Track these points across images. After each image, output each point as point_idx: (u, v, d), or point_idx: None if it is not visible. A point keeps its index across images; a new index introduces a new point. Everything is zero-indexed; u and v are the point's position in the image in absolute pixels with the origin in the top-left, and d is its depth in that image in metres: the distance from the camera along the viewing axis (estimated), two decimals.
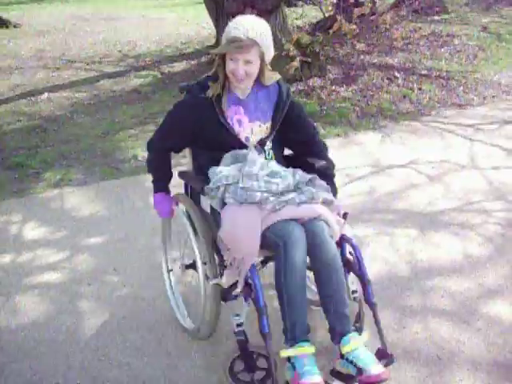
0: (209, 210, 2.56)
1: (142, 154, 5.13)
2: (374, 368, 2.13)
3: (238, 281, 2.40)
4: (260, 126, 2.59)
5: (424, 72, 7.78)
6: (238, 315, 2.41)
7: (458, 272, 3.33)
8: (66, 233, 3.84)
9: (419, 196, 4.30)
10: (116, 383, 2.54)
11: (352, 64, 7.69)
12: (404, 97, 6.76)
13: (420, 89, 7.04)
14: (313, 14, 10.22)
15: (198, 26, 11.12)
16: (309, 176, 2.49)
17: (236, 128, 2.54)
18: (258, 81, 2.57)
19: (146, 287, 3.22)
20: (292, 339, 2.25)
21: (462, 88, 7.18)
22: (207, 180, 2.46)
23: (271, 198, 2.33)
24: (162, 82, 7.54)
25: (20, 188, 4.52)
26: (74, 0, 17.58)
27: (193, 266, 2.77)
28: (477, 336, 2.80)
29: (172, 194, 2.82)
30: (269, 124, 2.62)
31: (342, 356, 2.26)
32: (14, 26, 12.10)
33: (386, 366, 2.22)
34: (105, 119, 6.13)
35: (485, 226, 3.87)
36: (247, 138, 2.56)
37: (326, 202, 2.46)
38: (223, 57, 2.47)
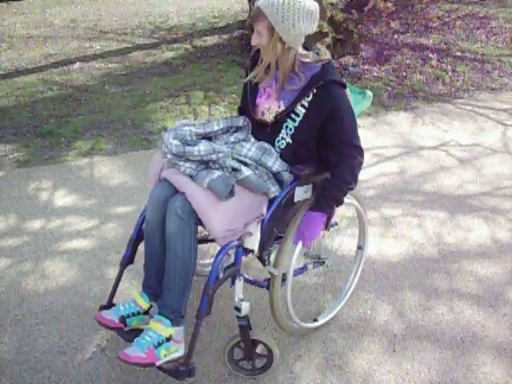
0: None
1: (172, 125, 5.14)
2: (132, 350, 2.14)
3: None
4: (279, 106, 2.38)
5: (459, 54, 7.65)
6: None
7: (485, 256, 3.30)
8: (95, 201, 3.88)
9: (449, 179, 4.25)
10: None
11: (386, 43, 7.60)
12: (437, 78, 6.66)
13: (454, 71, 6.93)
14: None
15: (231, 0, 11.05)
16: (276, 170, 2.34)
17: (258, 99, 2.47)
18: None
19: None
20: None
21: (497, 71, 7.06)
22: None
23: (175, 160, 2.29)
24: (194, 56, 7.52)
25: (51, 155, 4.57)
26: None
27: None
28: (502, 321, 2.79)
29: None
30: (282, 104, 2.39)
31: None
32: None
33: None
34: (135, 90, 6.15)
35: None
36: (263, 113, 2.44)
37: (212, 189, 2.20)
38: None
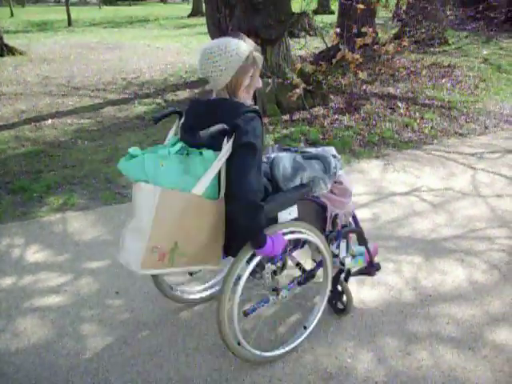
0: (296, 215, 2.64)
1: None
2: None
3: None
4: None
5: (426, 102, 7.84)
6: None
7: (463, 299, 3.30)
8: (68, 256, 3.81)
9: (423, 223, 4.29)
10: None
11: (354, 93, 7.76)
12: (406, 126, 6.80)
13: (422, 118, 7.10)
14: (316, 44, 10.34)
15: None
16: None
17: None
18: None
19: (147, 312, 3.19)
20: None
21: (463, 117, 7.24)
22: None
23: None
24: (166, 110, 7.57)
25: (23, 212, 4.51)
26: (79, 29, 17.84)
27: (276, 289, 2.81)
28: (483, 363, 2.77)
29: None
30: None
31: None
32: (20, 54, 12.28)
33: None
34: (108, 145, 6.16)
35: (489, 253, 3.85)
36: None
37: None
38: None
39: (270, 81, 6.95)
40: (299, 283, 2.92)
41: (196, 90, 8.62)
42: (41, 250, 3.90)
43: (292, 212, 2.57)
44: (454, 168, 5.49)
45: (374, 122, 6.86)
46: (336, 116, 7.03)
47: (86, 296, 3.35)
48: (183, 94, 8.40)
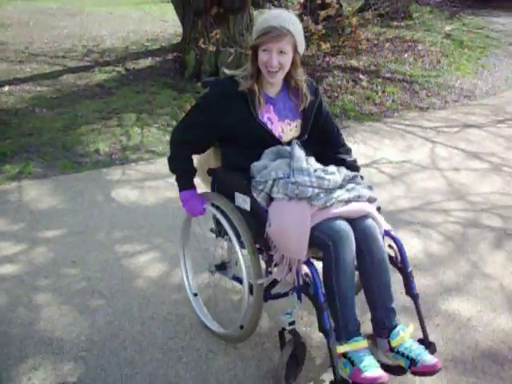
0: (247, 207, 2.38)
1: (104, 148, 5.08)
2: (428, 358, 2.20)
3: (276, 280, 2.42)
4: (290, 124, 2.50)
5: (388, 75, 7.88)
6: (289, 314, 2.34)
7: (417, 269, 3.35)
8: (23, 225, 3.75)
9: (380, 195, 4.30)
10: (70, 377, 2.48)
11: (317, 65, 7.74)
12: (368, 98, 6.84)
13: (384, 91, 7.13)
14: None
15: (164, 23, 11.03)
16: (352, 173, 2.47)
17: (269, 125, 2.45)
18: (286, 80, 2.48)
19: (103, 281, 3.17)
20: (346, 336, 2.25)
21: (424, 92, 7.31)
22: (244, 176, 2.39)
23: (321, 195, 2.26)
24: (127, 78, 7.45)
25: None
26: None
27: (222, 266, 2.74)
28: (435, 332, 2.82)
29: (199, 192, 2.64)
30: (298, 123, 2.52)
31: (391, 349, 2.31)
32: None
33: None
34: (67, 113, 6.03)
35: (444, 225, 3.92)
36: (280, 137, 2.47)
37: (370, 200, 2.42)
38: (255, 52, 2.36)
39: (232, 51, 6.87)
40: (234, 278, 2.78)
41: (158, 59, 8.47)
42: None
43: (246, 201, 2.38)
44: (413, 141, 5.55)
45: (335, 95, 6.87)
46: None
47: (42, 265, 3.31)
48: (144, 63, 8.25)
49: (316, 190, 2.25)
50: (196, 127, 2.47)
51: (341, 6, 9.24)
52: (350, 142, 5.24)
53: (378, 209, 2.53)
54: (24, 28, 10.94)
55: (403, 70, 8.20)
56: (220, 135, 2.47)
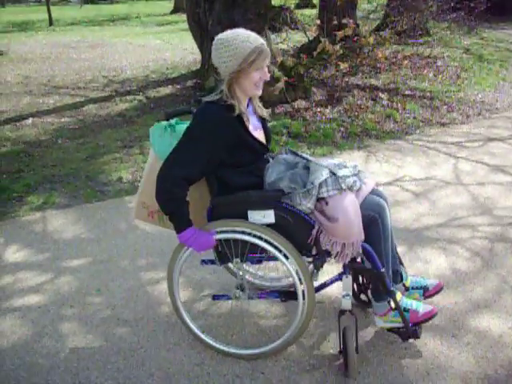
0: (269, 221, 2.45)
1: (126, 176, 5.11)
2: (432, 281, 2.99)
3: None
4: (260, 132, 2.64)
5: (408, 92, 7.85)
6: (347, 295, 2.56)
7: (445, 287, 3.28)
8: (48, 255, 3.77)
9: (405, 212, 4.28)
10: None
11: (336, 86, 7.74)
12: (388, 117, 6.80)
13: (404, 108, 7.09)
14: (297, 38, 10.32)
15: (184, 51, 11.17)
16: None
17: (257, 137, 2.56)
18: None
19: (128, 309, 3.16)
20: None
21: (445, 107, 7.25)
22: (268, 191, 2.51)
23: (356, 180, 2.51)
24: (147, 107, 7.54)
25: (2, 212, 4.45)
26: (60, 29, 17.72)
27: (241, 289, 2.74)
28: (466, 350, 2.76)
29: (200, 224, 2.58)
30: (262, 130, 2.68)
31: (406, 289, 2.89)
32: (0, 54, 12.12)
33: None
34: (89, 143, 6.10)
35: (471, 240, 3.85)
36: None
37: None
38: (236, 75, 2.40)
39: None
40: (272, 296, 2.91)
41: (178, 86, 8.56)
42: (20, 249, 3.86)
43: (267, 215, 2.44)
44: (436, 157, 5.49)
45: (356, 114, 6.85)
46: (318, 109, 7.01)
47: (67, 294, 3.32)
48: (164, 91, 8.34)
49: (354, 178, 2.51)
50: (198, 159, 2.38)
51: (357, 25, 9.29)
52: (371, 161, 5.32)
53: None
54: (46, 61, 11.18)
55: (423, 87, 8.16)
56: (221, 160, 2.45)
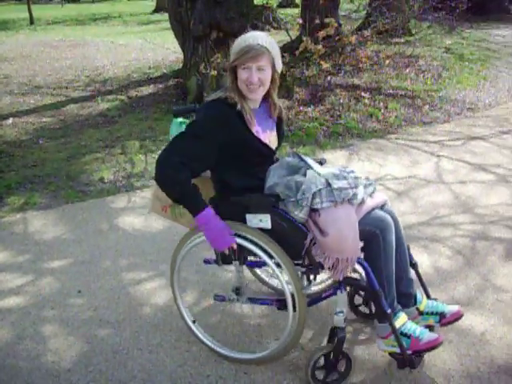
0: (267, 226, 2.40)
1: (108, 176, 5.07)
2: (451, 308, 2.70)
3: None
4: (271, 134, 2.58)
5: (390, 92, 7.88)
6: (341, 312, 2.44)
7: (428, 285, 3.29)
8: (28, 256, 3.73)
9: None
10: None
11: (319, 85, 7.75)
12: (371, 116, 6.82)
13: (386, 108, 7.13)
14: (280, 38, 10.31)
15: (166, 50, 11.11)
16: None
17: (262, 138, 2.49)
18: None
19: (110, 310, 3.13)
20: (393, 311, 2.49)
21: (427, 106, 7.29)
22: (265, 195, 2.43)
23: (357, 193, 2.39)
24: (129, 106, 7.50)
25: None
26: (41, 28, 17.57)
27: (237, 292, 2.71)
28: (449, 348, 2.77)
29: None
30: (275, 132, 2.63)
31: (420, 313, 2.68)
32: None
33: None
34: (70, 143, 6.05)
35: (453, 239, 3.87)
36: (268, 143, 2.54)
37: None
38: (235, 72, 2.41)
39: None
40: (265, 303, 2.89)
41: (159, 85, 8.52)
42: (0, 251, 3.81)
43: (264, 219, 2.40)
44: (418, 156, 5.52)
45: (338, 113, 6.86)
46: (301, 108, 7.01)
47: (48, 296, 3.28)
48: (147, 90, 8.30)
49: (354, 190, 2.37)
50: (195, 151, 2.34)
51: (340, 25, 9.30)
52: (354, 160, 5.33)
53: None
54: (27, 61, 11.08)
55: (405, 86, 8.20)
56: (219, 157, 2.40)
